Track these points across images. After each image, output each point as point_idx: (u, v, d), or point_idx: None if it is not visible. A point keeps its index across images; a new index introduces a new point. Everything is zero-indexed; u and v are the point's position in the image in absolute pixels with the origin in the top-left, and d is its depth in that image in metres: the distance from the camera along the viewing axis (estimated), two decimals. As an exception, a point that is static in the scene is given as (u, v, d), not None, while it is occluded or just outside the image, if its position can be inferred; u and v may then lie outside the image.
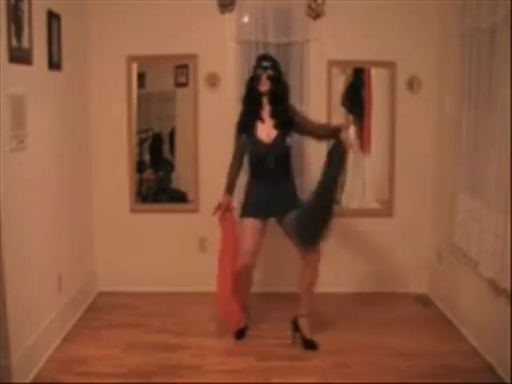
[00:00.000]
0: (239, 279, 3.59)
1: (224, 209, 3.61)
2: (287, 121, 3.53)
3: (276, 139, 3.51)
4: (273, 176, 3.55)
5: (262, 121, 3.55)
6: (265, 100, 3.55)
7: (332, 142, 3.49)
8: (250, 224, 3.57)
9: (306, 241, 3.51)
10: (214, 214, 3.62)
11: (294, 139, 3.59)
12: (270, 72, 3.51)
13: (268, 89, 3.51)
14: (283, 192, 3.59)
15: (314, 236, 3.49)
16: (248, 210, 3.61)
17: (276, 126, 3.52)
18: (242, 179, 3.76)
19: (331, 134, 3.48)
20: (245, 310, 3.76)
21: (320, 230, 3.47)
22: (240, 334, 3.74)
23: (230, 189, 3.65)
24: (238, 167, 3.69)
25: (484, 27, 3.40)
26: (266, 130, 3.53)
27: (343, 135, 3.40)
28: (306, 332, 3.66)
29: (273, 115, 3.54)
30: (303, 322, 3.68)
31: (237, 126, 3.66)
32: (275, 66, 3.56)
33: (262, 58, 3.62)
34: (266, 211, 3.59)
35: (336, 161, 3.43)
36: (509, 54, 3.09)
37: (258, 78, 3.51)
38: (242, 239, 3.56)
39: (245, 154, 3.66)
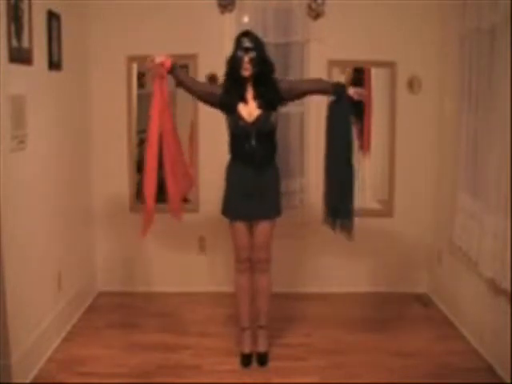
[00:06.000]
0: (238, 286, 3.44)
1: (159, 64, 3.18)
2: (272, 100, 3.23)
3: (259, 117, 3.22)
4: (256, 157, 3.24)
5: (245, 102, 3.24)
6: (248, 82, 3.23)
7: (331, 97, 3.23)
8: (237, 228, 3.35)
9: (341, 216, 3.29)
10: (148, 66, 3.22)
11: (278, 118, 3.33)
12: (251, 54, 3.15)
13: (250, 74, 3.18)
14: (267, 183, 3.30)
15: (345, 211, 3.27)
16: (231, 211, 3.35)
17: (260, 107, 3.23)
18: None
19: (330, 89, 3.23)
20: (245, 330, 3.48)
21: (346, 203, 3.26)
22: (246, 360, 3.41)
23: (176, 67, 3.26)
24: (194, 85, 3.34)
25: (484, 27, 3.41)
26: (248, 110, 3.24)
27: (350, 90, 3.19)
28: (262, 345, 3.43)
29: (256, 97, 3.24)
30: (261, 334, 3.45)
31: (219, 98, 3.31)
32: (258, 45, 3.20)
33: (244, 35, 3.23)
34: (249, 214, 3.32)
35: (340, 115, 3.21)
36: (509, 54, 3.09)
37: (239, 60, 3.16)
38: (233, 239, 3.38)
39: (204, 93, 3.32)
